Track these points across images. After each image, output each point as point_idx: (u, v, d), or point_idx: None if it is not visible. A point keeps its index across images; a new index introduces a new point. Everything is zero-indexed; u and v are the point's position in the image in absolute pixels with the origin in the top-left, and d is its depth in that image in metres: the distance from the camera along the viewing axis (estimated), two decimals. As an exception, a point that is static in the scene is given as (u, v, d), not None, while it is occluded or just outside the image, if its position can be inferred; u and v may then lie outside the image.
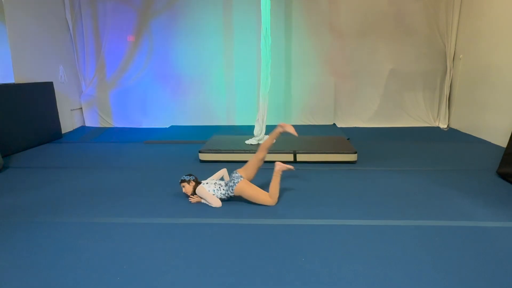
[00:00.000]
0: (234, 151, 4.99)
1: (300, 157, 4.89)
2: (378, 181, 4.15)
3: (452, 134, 6.71)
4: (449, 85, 7.25)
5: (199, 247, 2.73)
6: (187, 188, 3.58)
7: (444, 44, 7.17)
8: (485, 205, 3.44)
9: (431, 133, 6.87)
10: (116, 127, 7.87)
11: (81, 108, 7.96)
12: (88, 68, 7.85)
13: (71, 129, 7.59)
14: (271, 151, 4.92)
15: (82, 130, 7.64)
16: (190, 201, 3.57)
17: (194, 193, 3.60)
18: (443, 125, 7.35)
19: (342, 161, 4.86)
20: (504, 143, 5.37)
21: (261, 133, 5.32)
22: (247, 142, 5.35)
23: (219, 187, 3.56)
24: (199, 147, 5.29)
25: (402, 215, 3.25)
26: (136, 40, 7.62)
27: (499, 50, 5.79)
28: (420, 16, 7.11)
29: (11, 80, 5.87)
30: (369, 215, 3.24)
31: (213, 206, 3.47)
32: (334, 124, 7.62)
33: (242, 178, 3.51)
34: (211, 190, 3.52)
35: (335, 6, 7.21)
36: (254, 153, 4.88)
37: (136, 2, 7.43)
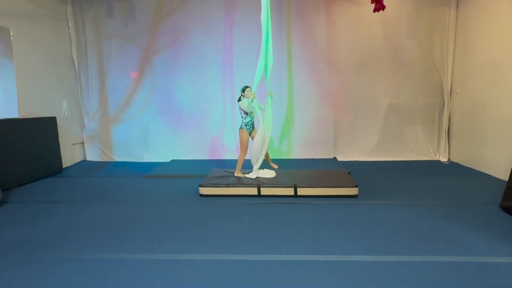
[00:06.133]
0: (234, 185, 4.97)
1: (301, 191, 4.86)
2: (380, 215, 4.10)
3: (452, 168, 6.70)
4: (448, 118, 7.34)
5: (200, 284, 2.66)
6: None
7: (440, 79, 7.33)
8: (491, 240, 3.37)
9: (431, 166, 6.86)
10: (117, 161, 7.89)
11: (83, 142, 8.02)
12: (92, 103, 7.98)
13: (72, 163, 7.60)
14: (273, 185, 4.94)
15: (83, 164, 7.65)
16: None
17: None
18: (443, 159, 7.35)
19: (343, 195, 4.82)
20: (505, 176, 5.37)
21: (256, 163, 5.38)
22: (247, 176, 5.34)
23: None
24: (200, 181, 5.28)
25: (405, 250, 3.18)
26: (139, 76, 7.81)
27: (494, 85, 5.90)
28: (416, 52, 7.32)
29: (15, 115, 5.96)
30: (371, 251, 3.18)
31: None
32: (335, 157, 7.63)
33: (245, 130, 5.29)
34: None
35: (332, 43, 7.44)
36: (254, 187, 4.91)
37: (140, 40, 7.68)
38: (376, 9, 6.14)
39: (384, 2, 6.11)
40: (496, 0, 5.83)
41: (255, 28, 6.74)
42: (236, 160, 7.57)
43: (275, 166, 5.70)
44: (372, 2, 6.19)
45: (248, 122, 5.32)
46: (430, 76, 7.36)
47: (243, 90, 5.26)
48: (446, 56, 7.20)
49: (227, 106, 7.76)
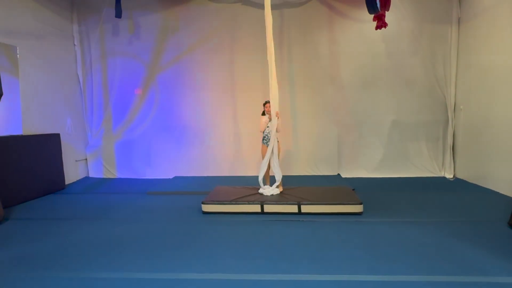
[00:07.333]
0: (237, 202, 4.92)
1: (305, 208, 4.80)
2: (385, 233, 4.02)
3: (458, 184, 6.61)
4: (452, 135, 7.29)
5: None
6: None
7: (444, 96, 7.31)
8: (500, 259, 3.28)
9: (437, 183, 6.77)
10: (120, 178, 7.87)
11: (86, 159, 8.03)
12: (95, 120, 8.03)
13: (75, 180, 7.59)
14: (276, 202, 4.89)
15: (86, 181, 7.63)
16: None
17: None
18: (449, 175, 7.27)
19: (348, 212, 4.75)
20: (511, 193, 5.29)
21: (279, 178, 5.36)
22: (260, 191, 5.34)
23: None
24: (202, 198, 5.23)
25: (412, 269, 3.10)
26: (142, 93, 7.87)
27: (498, 100, 5.88)
28: (419, 69, 7.33)
29: (19, 131, 5.99)
30: (377, 270, 3.10)
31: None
32: (339, 174, 7.57)
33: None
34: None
35: (335, 60, 7.49)
36: (258, 204, 4.86)
37: (144, 58, 7.77)
38: (378, 27, 6.20)
39: (386, 20, 6.17)
40: (497, 16, 5.87)
41: (258, 46, 6.82)
42: (238, 177, 7.58)
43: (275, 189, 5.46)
44: (374, 20, 6.25)
45: (264, 137, 5.46)
46: (434, 92, 7.35)
47: (264, 105, 5.46)
48: (449, 72, 7.21)
49: (231, 123, 7.77)
